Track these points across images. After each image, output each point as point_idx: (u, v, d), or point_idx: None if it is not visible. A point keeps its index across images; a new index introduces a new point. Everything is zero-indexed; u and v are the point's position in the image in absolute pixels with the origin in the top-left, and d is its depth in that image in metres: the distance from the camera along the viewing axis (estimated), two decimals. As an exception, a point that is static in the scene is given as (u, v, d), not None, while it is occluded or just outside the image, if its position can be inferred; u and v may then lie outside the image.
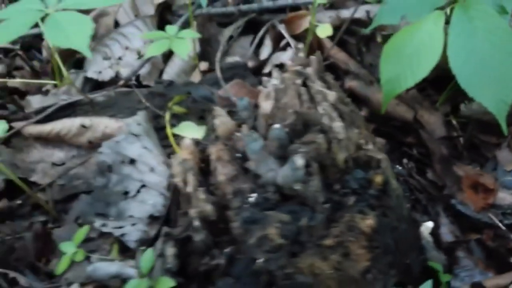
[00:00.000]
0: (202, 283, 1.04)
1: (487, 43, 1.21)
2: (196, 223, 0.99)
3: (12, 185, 1.36)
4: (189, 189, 1.02)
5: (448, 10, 1.23)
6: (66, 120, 1.47)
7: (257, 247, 0.89)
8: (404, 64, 1.25)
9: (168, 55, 1.70)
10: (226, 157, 1.03)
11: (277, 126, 1.01)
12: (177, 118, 1.45)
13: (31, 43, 1.95)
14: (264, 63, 1.62)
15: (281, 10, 1.76)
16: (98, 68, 1.65)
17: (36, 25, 1.20)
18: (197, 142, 1.13)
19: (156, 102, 1.49)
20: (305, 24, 1.67)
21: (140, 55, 1.64)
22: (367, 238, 0.93)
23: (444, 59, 1.22)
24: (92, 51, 1.71)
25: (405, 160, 1.45)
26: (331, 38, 1.57)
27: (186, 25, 1.63)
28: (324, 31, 1.39)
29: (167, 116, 1.44)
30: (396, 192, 1.04)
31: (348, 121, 0.99)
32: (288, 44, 1.62)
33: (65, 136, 1.46)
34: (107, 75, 1.63)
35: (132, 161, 1.32)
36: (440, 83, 1.52)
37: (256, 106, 1.15)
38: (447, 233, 1.26)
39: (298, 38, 1.67)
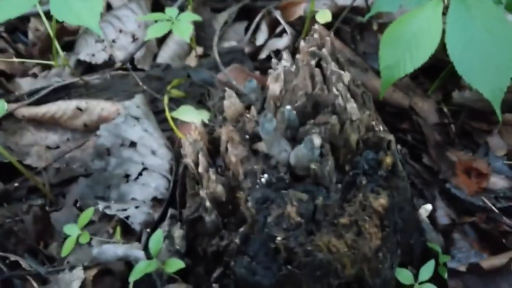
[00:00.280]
0: (210, 264, 1.05)
1: (484, 31, 1.25)
2: (207, 203, 1.00)
3: (6, 168, 1.33)
4: (200, 169, 1.02)
5: (446, -1, 1.26)
6: (61, 102, 1.44)
7: (275, 225, 0.90)
8: (403, 50, 1.27)
9: (161, 40, 1.68)
10: (237, 138, 1.03)
11: (288, 107, 1.02)
12: (175, 102, 1.45)
13: (16, 25, 1.90)
14: (260, 49, 1.62)
15: (275, -4, 1.76)
16: (91, 51, 1.62)
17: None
18: (204, 124, 1.13)
19: (153, 86, 1.48)
20: (299, 11, 1.68)
21: (135, 38, 1.62)
22: (380, 217, 0.95)
23: (437, 48, 1.25)
24: (84, 33, 1.69)
25: (399, 146, 1.48)
26: (326, 26, 1.58)
27: (180, 9, 1.62)
28: (324, 16, 1.40)
29: (166, 99, 1.43)
30: (402, 174, 1.07)
31: (360, 102, 1.01)
32: (284, 31, 1.63)
33: (60, 118, 1.43)
34: (100, 58, 1.61)
35: (132, 144, 1.31)
36: (432, 71, 1.56)
37: (262, 89, 1.16)
38: (443, 216, 1.30)
39: (292, 24, 1.68)
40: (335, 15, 1.59)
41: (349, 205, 0.93)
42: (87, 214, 1.13)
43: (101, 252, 1.09)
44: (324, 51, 0.99)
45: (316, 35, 1.02)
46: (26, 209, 1.22)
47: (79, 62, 1.62)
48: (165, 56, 1.64)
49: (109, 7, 1.73)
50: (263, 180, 0.98)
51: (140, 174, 1.27)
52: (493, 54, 1.24)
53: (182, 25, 1.33)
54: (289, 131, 1.04)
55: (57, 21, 1.23)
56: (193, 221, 1.05)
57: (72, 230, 1.12)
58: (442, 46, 1.25)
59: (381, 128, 1.02)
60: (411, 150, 1.46)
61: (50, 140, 1.43)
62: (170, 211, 1.14)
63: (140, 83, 1.46)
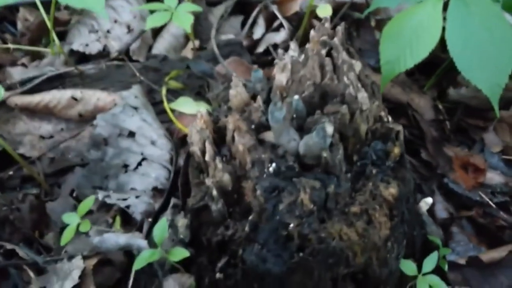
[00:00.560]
0: (215, 253, 1.03)
1: (483, 29, 1.26)
2: (214, 192, 0.98)
3: (-1, 157, 1.29)
4: (207, 158, 1.00)
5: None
6: (56, 91, 1.41)
7: (287, 212, 0.89)
8: (404, 46, 1.28)
9: (157, 31, 1.66)
10: (244, 127, 1.02)
11: (296, 97, 1.02)
12: (173, 93, 1.43)
13: (5, 15, 1.85)
14: (257, 42, 1.62)
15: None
16: (85, 41, 1.59)
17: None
18: (209, 113, 1.12)
19: (150, 77, 1.46)
20: (295, 7, 1.68)
21: (130, 29, 1.59)
22: (389, 206, 0.95)
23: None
24: (77, 23, 1.65)
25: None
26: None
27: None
28: (324, 11, 1.40)
29: (164, 90, 1.41)
30: (407, 165, 1.07)
31: (370, 92, 1.01)
32: (281, 25, 1.63)
33: (54, 108, 1.40)
34: (94, 48, 1.58)
35: (131, 134, 1.29)
36: (427, 68, 1.57)
37: (268, 79, 1.15)
38: (441, 210, 1.31)
39: (288, 20, 1.67)
40: (333, 11, 1.60)
41: (359, 194, 0.93)
42: (87, 203, 1.10)
43: (102, 241, 1.07)
44: (336, 40, 0.99)
45: (327, 24, 1.02)
46: (21, 198, 1.18)
47: (72, 52, 1.59)
48: (160, 48, 1.61)
49: (103, -3, 1.70)
50: (271, 169, 0.97)
51: (139, 164, 1.25)
52: (491, 51, 1.25)
53: (182, 15, 1.31)
54: (295, 121, 1.03)
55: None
56: (197, 210, 1.03)
57: (72, 219, 1.09)
58: (438, 43, 1.27)
59: (389, 118, 1.02)
60: (408, 145, 1.47)
61: (43, 130, 1.40)
62: (173, 200, 1.12)
63: (137, 74, 1.44)
